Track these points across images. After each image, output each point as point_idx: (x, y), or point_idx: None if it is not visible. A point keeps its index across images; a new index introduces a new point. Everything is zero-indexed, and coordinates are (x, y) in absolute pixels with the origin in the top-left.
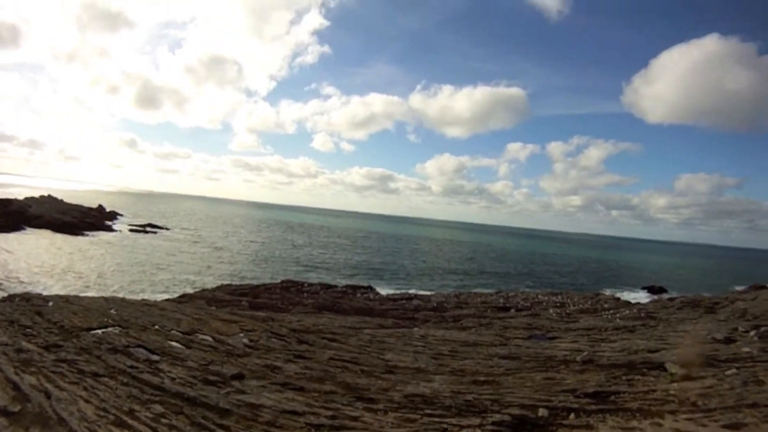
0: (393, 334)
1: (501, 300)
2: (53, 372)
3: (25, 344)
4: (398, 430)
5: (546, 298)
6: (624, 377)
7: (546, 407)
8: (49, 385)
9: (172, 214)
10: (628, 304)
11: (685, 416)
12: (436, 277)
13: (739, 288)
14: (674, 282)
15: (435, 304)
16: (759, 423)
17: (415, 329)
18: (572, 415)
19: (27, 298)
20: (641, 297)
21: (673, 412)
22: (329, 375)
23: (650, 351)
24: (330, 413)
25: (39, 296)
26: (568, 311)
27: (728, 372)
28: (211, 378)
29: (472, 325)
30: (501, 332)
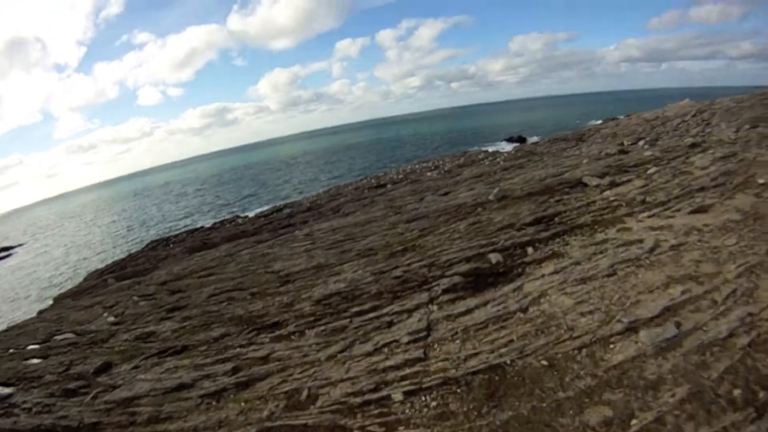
0: (274, 244)
1: (373, 181)
2: None
3: None
4: (328, 350)
5: (417, 166)
6: (551, 200)
7: (494, 251)
8: None
9: (21, 232)
10: (498, 153)
11: (644, 215)
12: (300, 188)
13: (593, 122)
14: (530, 130)
15: (309, 205)
16: (720, 201)
17: (297, 231)
18: (530, 249)
19: None
20: (505, 147)
21: (630, 215)
22: (214, 315)
23: (556, 175)
24: (230, 366)
25: None
26: (446, 169)
27: (650, 171)
28: (73, 386)
29: (354, 209)
30: (389, 204)
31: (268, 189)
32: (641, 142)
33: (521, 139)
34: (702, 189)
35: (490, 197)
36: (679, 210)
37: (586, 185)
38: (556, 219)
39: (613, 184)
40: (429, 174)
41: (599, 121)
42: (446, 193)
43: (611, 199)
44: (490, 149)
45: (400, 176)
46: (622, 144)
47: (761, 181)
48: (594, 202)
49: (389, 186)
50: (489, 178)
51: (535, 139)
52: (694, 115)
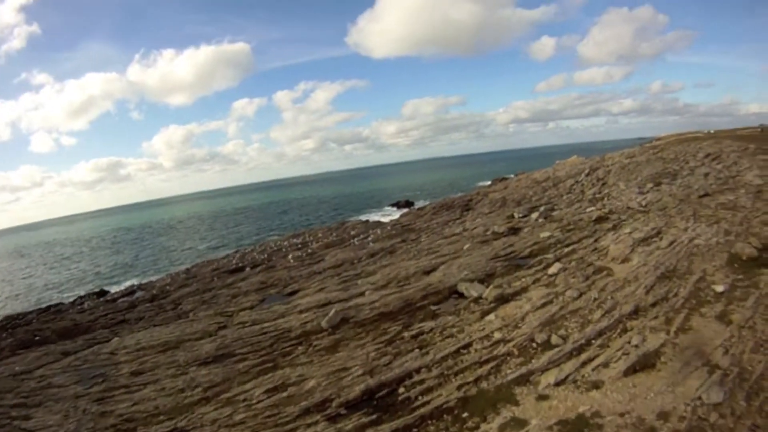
0: (68, 366)
1: (234, 261)
2: None
3: None
4: None
5: (286, 242)
6: (407, 334)
7: None
8: None
9: None
10: (379, 224)
11: (549, 379)
12: (171, 259)
13: (482, 183)
14: (419, 193)
15: (155, 291)
16: (671, 341)
17: (114, 340)
18: None
19: None
20: (391, 213)
21: (524, 380)
22: None
23: (427, 271)
24: None
25: None
26: (310, 250)
27: (552, 270)
28: None
29: (191, 306)
30: (224, 309)
31: (144, 256)
32: (534, 214)
33: (408, 204)
34: (636, 312)
35: (323, 323)
36: (607, 367)
37: (462, 296)
38: (402, 391)
39: (500, 300)
40: (291, 255)
41: (488, 182)
42: (292, 293)
43: (496, 337)
44: (372, 218)
45: (264, 256)
46: (511, 217)
47: (719, 289)
48: (470, 344)
49: (247, 270)
50: (347, 271)
51: (421, 203)
52: (587, 174)
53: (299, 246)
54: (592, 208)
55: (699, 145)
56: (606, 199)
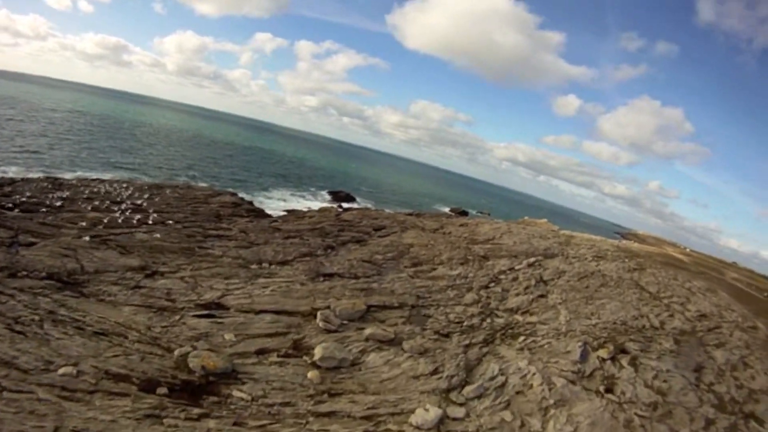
0: None
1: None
2: None
3: None
4: None
5: (137, 194)
6: None
7: None
8: None
9: None
10: (259, 216)
11: None
12: (128, 163)
13: (443, 209)
14: (372, 191)
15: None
16: None
17: None
18: None
19: None
20: (314, 201)
21: None
22: None
23: None
24: None
25: None
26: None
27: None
28: None
29: None
30: None
31: (112, 151)
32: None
33: (348, 198)
34: None
35: None
36: None
37: None
38: None
39: None
40: (87, 218)
41: (447, 209)
42: None
43: None
44: (298, 202)
45: (94, 199)
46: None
47: None
48: None
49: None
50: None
51: (359, 204)
52: (532, 265)
53: (129, 209)
54: (502, 347)
55: (689, 283)
56: (528, 336)
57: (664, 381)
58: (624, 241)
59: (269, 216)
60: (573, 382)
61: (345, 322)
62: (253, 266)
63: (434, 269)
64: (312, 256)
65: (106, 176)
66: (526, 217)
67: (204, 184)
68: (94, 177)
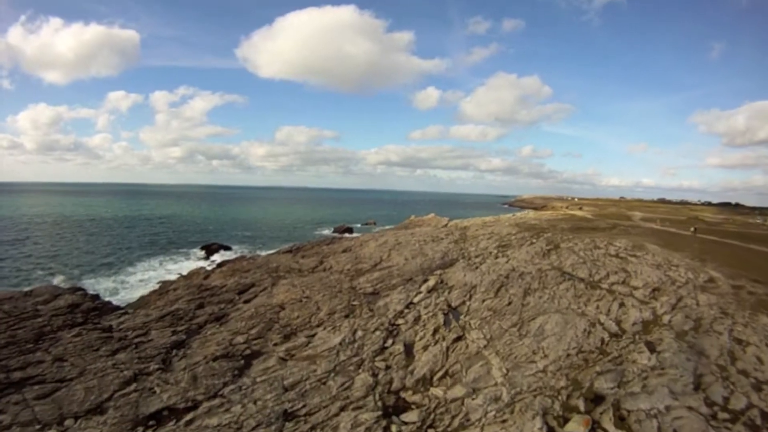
0: None
1: None
2: None
3: None
4: None
5: None
6: None
7: None
8: None
9: None
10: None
11: None
12: None
13: (325, 231)
14: (247, 235)
15: None
16: None
17: None
18: None
19: None
20: (189, 263)
21: None
22: None
23: None
24: None
25: None
26: None
27: None
28: None
29: None
30: None
31: None
32: None
33: (223, 248)
34: None
35: None
36: None
37: None
38: None
39: None
40: None
41: (331, 230)
42: None
43: None
44: (167, 270)
45: None
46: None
47: None
48: None
49: None
50: None
51: (234, 253)
52: (432, 290)
53: None
54: None
55: (612, 246)
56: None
57: (674, 430)
58: (518, 214)
59: (115, 310)
60: None
61: None
62: None
63: (311, 339)
64: (140, 377)
65: None
66: (412, 216)
67: (55, 282)
68: None
